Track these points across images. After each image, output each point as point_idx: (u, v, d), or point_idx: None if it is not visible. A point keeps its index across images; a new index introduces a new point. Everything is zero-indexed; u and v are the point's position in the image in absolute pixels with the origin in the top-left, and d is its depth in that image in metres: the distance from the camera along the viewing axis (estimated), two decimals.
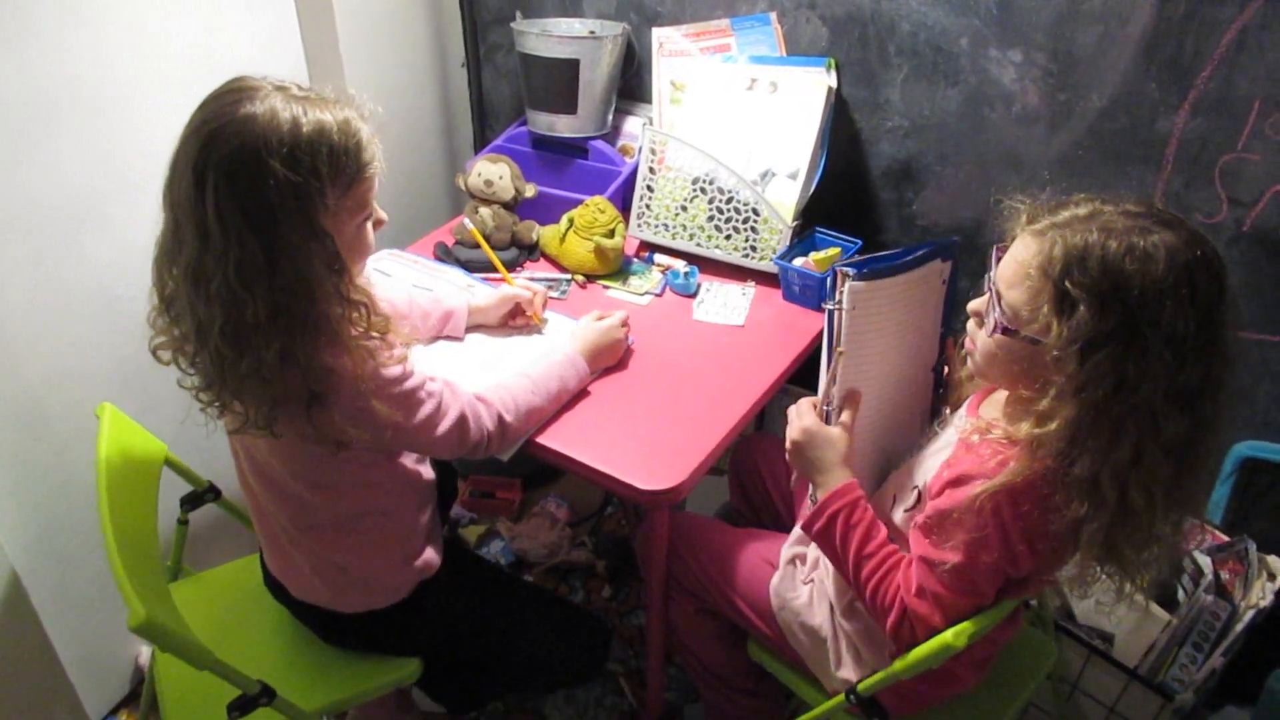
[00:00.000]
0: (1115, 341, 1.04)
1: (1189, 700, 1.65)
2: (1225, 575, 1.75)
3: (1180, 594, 1.79)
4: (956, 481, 1.19)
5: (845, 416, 1.35)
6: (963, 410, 1.39)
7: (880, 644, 1.39)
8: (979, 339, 1.22)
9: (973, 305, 1.24)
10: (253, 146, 1.10)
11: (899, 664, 1.29)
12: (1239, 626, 1.69)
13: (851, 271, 1.28)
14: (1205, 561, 1.74)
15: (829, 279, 1.31)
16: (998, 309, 1.16)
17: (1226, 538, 1.81)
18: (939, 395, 1.52)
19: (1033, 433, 1.11)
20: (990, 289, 1.19)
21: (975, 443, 1.21)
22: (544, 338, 1.79)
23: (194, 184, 1.10)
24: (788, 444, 1.37)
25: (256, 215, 1.11)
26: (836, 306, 1.29)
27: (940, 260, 1.41)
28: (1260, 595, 1.72)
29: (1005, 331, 1.15)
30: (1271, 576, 1.76)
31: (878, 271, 1.30)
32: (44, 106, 1.55)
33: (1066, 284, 1.06)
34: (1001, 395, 1.31)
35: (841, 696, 1.39)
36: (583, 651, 1.71)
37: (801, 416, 1.36)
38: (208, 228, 1.10)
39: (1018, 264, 1.13)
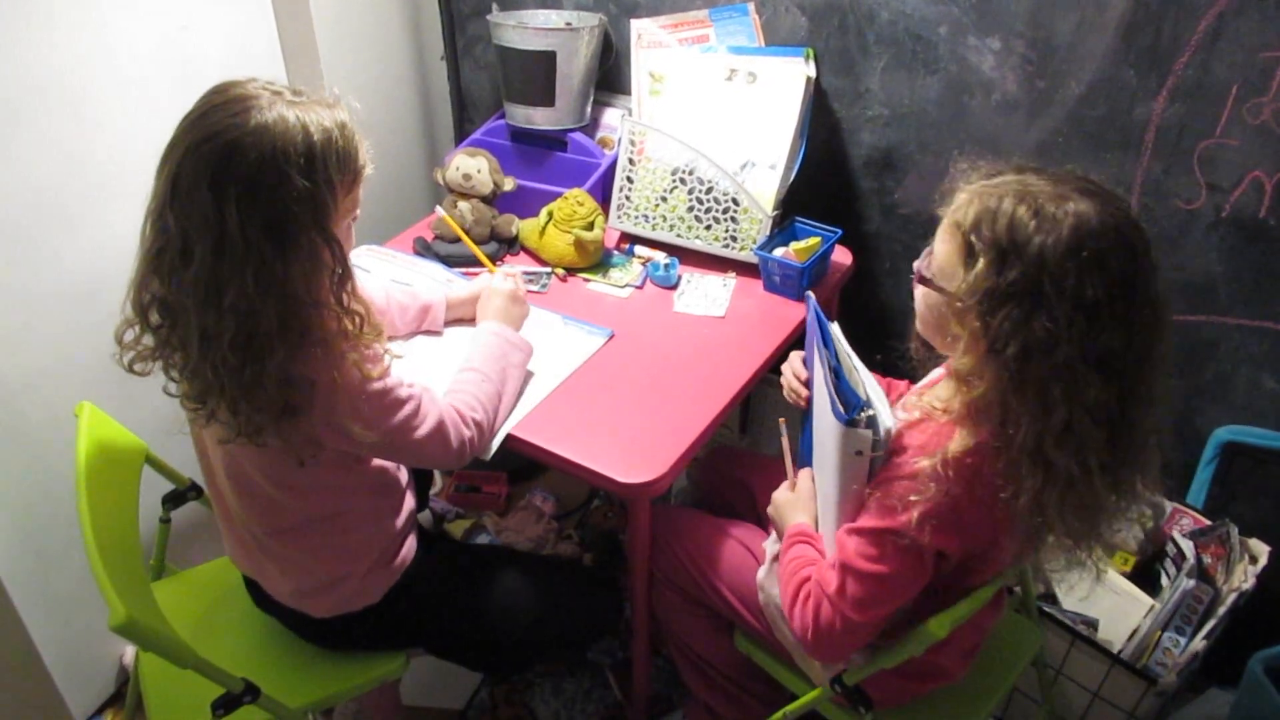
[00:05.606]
0: (1016, 299, 1.07)
1: (1172, 683, 1.66)
2: (1207, 559, 1.76)
3: (1163, 578, 1.80)
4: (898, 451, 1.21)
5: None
6: (910, 394, 1.41)
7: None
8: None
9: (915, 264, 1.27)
10: (272, 157, 1.09)
11: (883, 655, 1.30)
12: (1221, 609, 1.70)
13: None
14: (1187, 545, 1.75)
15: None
16: (925, 259, 1.21)
17: (1208, 521, 1.82)
18: None
19: (968, 398, 1.13)
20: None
21: (916, 418, 1.23)
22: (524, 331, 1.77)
23: (211, 198, 1.08)
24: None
25: (276, 226, 1.11)
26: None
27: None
28: (1242, 578, 1.73)
29: (921, 280, 1.20)
30: (1253, 559, 1.77)
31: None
32: (12, 105, 1.53)
33: (972, 238, 1.11)
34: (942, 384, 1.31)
35: (827, 686, 1.39)
36: (591, 606, 1.70)
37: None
38: (226, 240, 1.09)
39: (947, 217, 1.18)
